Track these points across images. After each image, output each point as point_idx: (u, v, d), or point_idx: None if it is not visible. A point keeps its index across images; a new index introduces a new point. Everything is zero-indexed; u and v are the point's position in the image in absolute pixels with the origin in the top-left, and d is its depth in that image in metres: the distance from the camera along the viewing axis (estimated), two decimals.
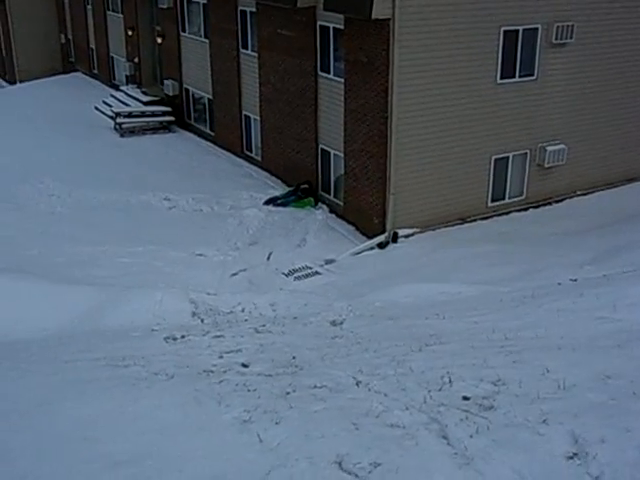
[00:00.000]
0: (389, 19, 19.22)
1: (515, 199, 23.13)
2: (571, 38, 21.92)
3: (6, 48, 49.29)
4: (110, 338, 12.23)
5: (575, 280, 13.25)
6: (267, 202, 24.00)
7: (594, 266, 15.22)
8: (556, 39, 21.66)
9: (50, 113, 35.84)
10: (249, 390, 7.91)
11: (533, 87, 22.19)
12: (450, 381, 7.53)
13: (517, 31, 21.26)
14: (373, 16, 19.11)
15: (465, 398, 7.08)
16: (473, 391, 7.20)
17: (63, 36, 48.32)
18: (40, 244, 20.71)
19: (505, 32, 21.03)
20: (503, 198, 22.90)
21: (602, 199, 24.05)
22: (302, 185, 24.08)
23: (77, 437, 6.84)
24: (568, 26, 21.69)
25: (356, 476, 5.82)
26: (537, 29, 21.55)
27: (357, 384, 7.88)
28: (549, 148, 22.81)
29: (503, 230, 21.59)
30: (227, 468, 6.06)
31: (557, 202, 23.79)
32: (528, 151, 22.82)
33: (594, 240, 19.02)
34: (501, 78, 21.48)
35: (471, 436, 6.24)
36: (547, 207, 23.58)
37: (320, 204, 23.87)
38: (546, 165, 22.91)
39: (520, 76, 21.84)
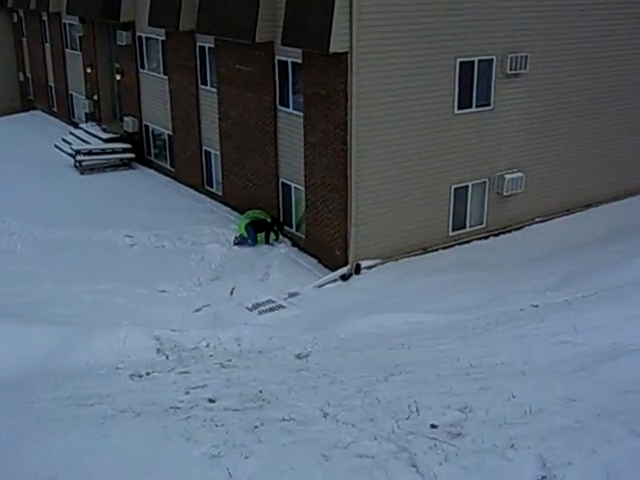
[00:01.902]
0: (347, 52, 19.39)
1: (476, 227, 23.32)
2: (525, 68, 22.26)
3: None
4: (75, 377, 12.11)
5: (537, 306, 13.38)
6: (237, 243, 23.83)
7: (555, 291, 15.37)
8: (510, 69, 21.99)
9: (9, 151, 35.59)
10: (217, 425, 7.89)
11: (490, 117, 22.47)
12: (417, 410, 7.57)
13: (473, 62, 21.55)
14: (331, 50, 19.27)
15: (433, 426, 7.12)
16: (441, 419, 7.25)
17: (22, 74, 48.14)
18: (1, 283, 20.50)
19: (461, 63, 21.31)
20: (464, 227, 23.08)
21: (561, 225, 24.34)
22: (264, 221, 24.03)
23: (44, 478, 6.78)
24: (522, 57, 22.05)
25: None
26: (492, 60, 21.86)
27: (325, 416, 7.90)
28: (507, 176, 23.07)
29: (465, 258, 21.74)
30: None
31: (517, 229, 24.02)
32: (487, 180, 23.06)
33: (554, 266, 19.21)
34: (458, 108, 21.73)
35: (440, 464, 6.29)
36: (507, 235, 23.79)
37: (276, 238, 23.81)
38: (505, 193, 23.16)
39: (477, 106, 22.11)
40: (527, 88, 22.91)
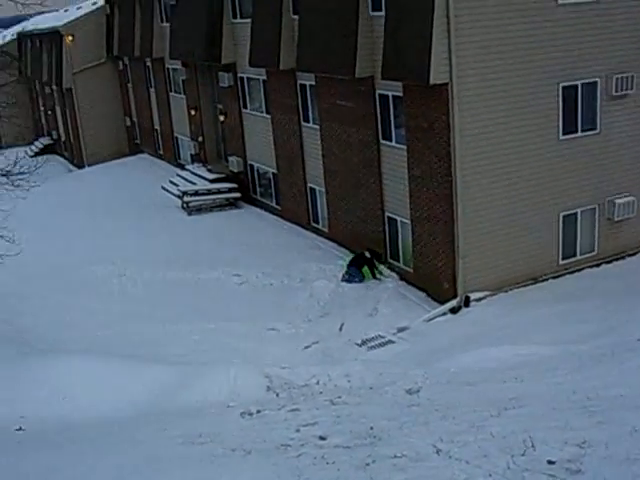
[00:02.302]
0: (447, 83, 19.28)
1: (586, 255, 22.73)
2: (631, 89, 21.71)
3: (73, 134, 50.65)
4: (186, 416, 12.23)
5: None
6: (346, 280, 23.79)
7: None
8: (616, 91, 21.48)
9: (118, 195, 36.58)
10: (328, 463, 7.80)
11: (596, 141, 21.96)
12: (533, 445, 7.33)
13: (576, 86, 21.15)
14: (431, 82, 19.19)
15: (550, 462, 6.88)
16: (558, 454, 7.00)
17: (128, 119, 49.51)
18: (113, 324, 20.94)
19: (564, 88, 20.94)
20: (574, 255, 22.53)
21: None
22: (363, 255, 24.00)
23: None
24: (628, 77, 21.50)
25: None
26: (596, 82, 21.40)
27: (437, 452, 7.73)
28: (618, 201, 22.47)
29: (576, 287, 21.19)
30: None
31: (630, 256, 23.30)
32: (596, 206, 22.50)
33: None
34: (563, 134, 21.31)
35: None
36: (620, 262, 23.09)
37: (382, 270, 23.71)
38: (616, 219, 22.55)
39: (582, 130, 21.65)
40: (635, 109, 22.30)
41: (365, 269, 23.57)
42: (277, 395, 13.46)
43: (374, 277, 23.53)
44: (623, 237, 23.15)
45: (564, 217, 22.01)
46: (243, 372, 14.50)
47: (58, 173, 47.74)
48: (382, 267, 23.85)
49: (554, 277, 22.02)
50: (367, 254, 23.92)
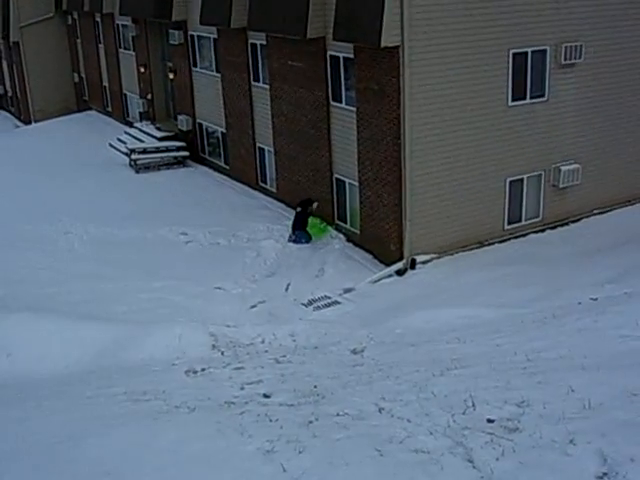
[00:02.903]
0: (398, 46, 19.27)
1: (532, 221, 23.02)
2: (580, 58, 21.90)
3: (21, 89, 49.74)
4: (131, 373, 12.23)
5: (596, 299, 13.18)
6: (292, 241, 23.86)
7: (615, 284, 15.10)
8: (565, 59, 21.65)
9: (65, 152, 36.12)
10: (271, 420, 7.87)
11: (544, 108, 22.16)
12: (473, 404, 7.46)
13: (526, 53, 21.28)
14: (382, 44, 19.16)
15: (489, 421, 7.02)
16: (497, 413, 7.14)
17: (76, 75, 48.69)
18: (59, 282, 20.76)
19: (514, 54, 21.05)
20: (519, 220, 22.80)
21: (619, 217, 23.89)
22: (302, 206, 24.13)
23: (99, 472, 6.83)
24: (576, 46, 21.69)
25: None
26: (546, 50, 21.55)
27: (380, 411, 7.83)
28: (563, 168, 22.74)
29: (521, 252, 21.47)
30: None
31: (574, 222, 23.64)
32: (543, 172, 22.75)
33: (613, 259, 18.90)
34: (512, 100, 21.46)
35: (497, 459, 6.18)
36: (564, 227, 23.43)
37: (327, 228, 23.92)
38: (561, 185, 22.83)
39: (531, 97, 21.82)
40: (582, 78, 22.53)
41: (315, 225, 23.72)
42: (222, 353, 13.50)
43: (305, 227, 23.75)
44: (567, 204, 23.47)
45: (510, 182, 22.24)
46: (188, 330, 14.51)
47: (4, 129, 47.02)
48: (330, 228, 23.93)
49: (499, 242, 22.28)
50: (298, 209, 24.08)
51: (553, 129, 22.48)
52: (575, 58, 21.79)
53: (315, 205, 24.23)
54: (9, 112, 54.60)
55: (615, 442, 6.11)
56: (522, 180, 22.44)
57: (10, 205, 27.69)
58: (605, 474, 5.76)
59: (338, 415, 7.80)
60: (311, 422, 7.66)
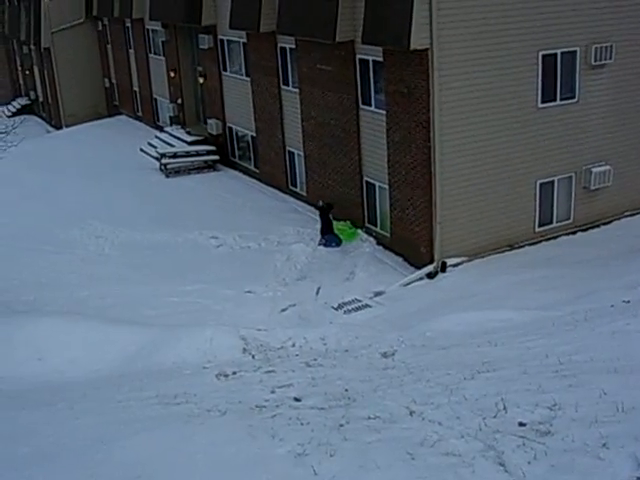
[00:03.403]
0: (427, 49, 19.26)
1: (562, 223, 22.90)
2: (610, 59, 21.78)
3: (52, 94, 50.20)
4: (161, 377, 12.29)
5: (628, 302, 13.06)
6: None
7: None
8: (595, 60, 21.54)
9: (96, 156, 36.37)
10: (302, 424, 7.88)
11: (575, 109, 22.05)
12: (505, 408, 7.43)
13: (555, 54, 21.18)
14: (411, 47, 19.16)
15: (521, 424, 6.98)
16: (529, 417, 7.10)
17: (107, 80, 49.08)
18: (89, 286, 20.94)
19: (544, 56, 20.96)
20: (550, 222, 22.69)
21: None
22: (324, 207, 24.20)
23: (131, 475, 6.87)
24: (606, 47, 21.57)
25: None
26: (575, 51, 21.45)
27: (411, 414, 7.82)
28: (594, 170, 22.60)
29: (552, 255, 21.36)
30: None
31: (605, 224, 23.49)
32: (573, 174, 22.63)
33: None
34: (542, 102, 21.37)
35: (529, 462, 6.15)
36: (595, 230, 23.29)
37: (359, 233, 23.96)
38: (592, 187, 22.70)
39: (561, 99, 21.73)
40: (613, 79, 22.39)
41: (344, 230, 23.76)
42: (253, 357, 13.53)
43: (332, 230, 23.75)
44: (599, 206, 23.32)
45: (541, 185, 22.14)
46: (219, 334, 14.55)
47: (36, 134, 47.38)
48: (360, 231, 23.95)
49: (530, 244, 22.19)
50: (321, 203, 24.23)
51: (583, 130, 22.35)
52: (605, 59, 21.66)
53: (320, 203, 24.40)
54: (41, 117, 55.13)
55: None
56: (553, 182, 22.33)
57: (41, 209, 27.97)
58: (639, 478, 5.71)
59: (369, 418, 7.79)
60: (342, 425, 7.67)
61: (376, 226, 23.72)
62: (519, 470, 6.04)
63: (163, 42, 38.35)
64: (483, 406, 7.61)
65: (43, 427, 8.94)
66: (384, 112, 21.82)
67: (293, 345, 14.40)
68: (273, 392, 9.67)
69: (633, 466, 5.84)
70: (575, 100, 21.95)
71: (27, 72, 56.92)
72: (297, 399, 9.09)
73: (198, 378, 11.57)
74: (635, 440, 6.17)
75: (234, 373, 11.47)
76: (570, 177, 22.63)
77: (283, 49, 27.16)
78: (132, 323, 16.51)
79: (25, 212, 27.56)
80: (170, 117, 38.95)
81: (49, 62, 48.89)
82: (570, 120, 22.01)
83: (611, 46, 21.66)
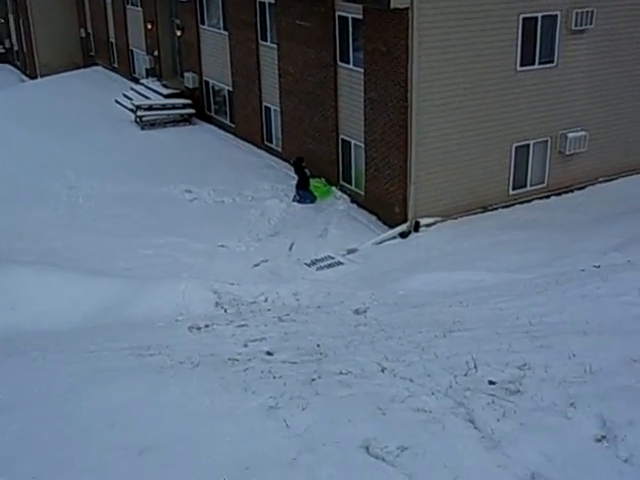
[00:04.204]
0: (407, 8, 19.16)
1: (537, 187, 23.02)
2: (591, 24, 21.78)
3: (27, 43, 49.52)
4: (134, 328, 12.30)
5: (598, 266, 13.18)
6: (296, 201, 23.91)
7: (618, 252, 15.11)
8: (576, 25, 21.53)
9: (71, 107, 35.99)
10: (275, 377, 7.94)
11: (553, 74, 22.07)
12: (475, 366, 7.53)
13: (536, 18, 21.15)
14: (392, 6, 19.06)
15: (491, 382, 7.08)
16: (499, 376, 7.20)
17: (83, 30, 48.43)
18: (62, 236, 20.85)
19: (524, 19, 20.93)
20: (525, 186, 22.80)
21: (625, 186, 23.88)
22: (300, 164, 24.22)
23: (105, 424, 6.89)
24: (588, 12, 21.56)
25: (383, 460, 5.85)
26: (556, 15, 21.42)
27: (382, 370, 7.89)
28: (570, 135, 22.69)
29: (525, 218, 21.51)
30: (255, 453, 6.10)
31: (579, 189, 23.65)
32: (549, 138, 22.71)
33: (617, 227, 18.89)
34: (521, 65, 21.38)
35: (498, 420, 6.25)
36: (569, 194, 23.44)
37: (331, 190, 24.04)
38: (567, 152, 22.80)
39: (540, 63, 21.73)
40: (593, 44, 22.41)
41: (319, 187, 23.78)
42: (225, 311, 13.55)
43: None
44: (573, 171, 23.45)
45: (517, 148, 22.23)
46: (192, 287, 14.55)
47: (10, 83, 46.87)
48: (334, 188, 23.98)
49: (504, 207, 22.31)
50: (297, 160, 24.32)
51: (561, 95, 22.40)
52: (586, 24, 21.67)
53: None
54: (15, 66, 54.46)
55: (614, 406, 6.18)
56: (528, 146, 22.42)
57: (14, 160, 27.71)
58: (604, 437, 5.83)
59: (341, 374, 7.86)
60: (314, 380, 7.73)
61: (351, 184, 23.73)
62: (488, 427, 6.14)
63: None
64: (454, 364, 7.70)
65: (16, 375, 8.94)
66: (362, 70, 21.74)
67: (265, 300, 14.44)
68: (246, 346, 9.72)
69: (599, 425, 5.97)
70: (554, 65, 21.96)
71: (1, 20, 56.06)
72: (269, 353, 9.15)
73: (171, 330, 11.59)
74: (601, 400, 6.30)
75: (206, 326, 11.49)
76: (546, 141, 22.71)
77: (262, 4, 26.92)
78: (105, 275, 16.46)
79: None
80: (146, 69, 38.58)
81: (24, 10, 48.18)
82: (548, 84, 22.04)
83: (592, 11, 21.64)
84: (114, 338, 11.21)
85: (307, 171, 24.05)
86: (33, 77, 48.38)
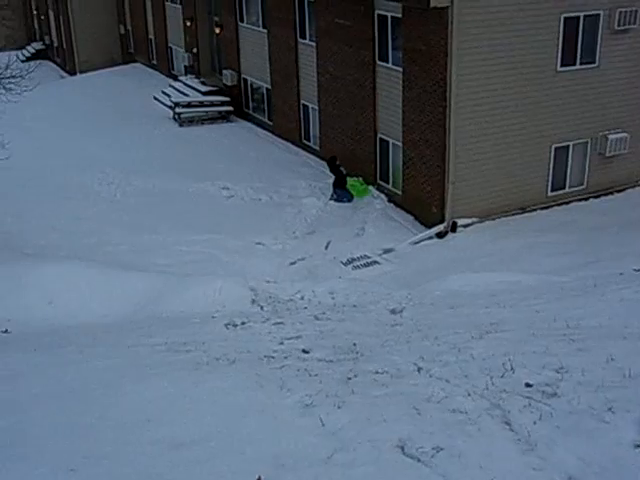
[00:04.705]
0: (447, 7, 19.08)
1: (575, 189, 22.83)
2: (634, 24, 21.54)
3: (66, 39, 49.91)
4: (171, 324, 12.37)
5: (638, 270, 13.07)
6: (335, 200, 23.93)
7: None
8: (619, 25, 21.31)
9: (109, 103, 36.28)
10: (310, 375, 7.94)
11: (594, 74, 21.87)
12: (512, 368, 7.47)
13: (578, 17, 20.96)
14: (432, 4, 18.99)
15: (528, 385, 7.02)
16: (536, 378, 7.14)
17: (122, 27, 48.76)
18: (100, 232, 21.01)
19: (565, 19, 20.75)
20: (563, 187, 22.62)
21: None
22: (334, 163, 24.21)
23: (140, 419, 6.93)
24: (631, 11, 21.31)
25: (418, 460, 5.81)
26: (599, 15, 21.21)
27: (418, 370, 7.86)
28: (611, 137, 22.47)
29: (563, 220, 21.33)
30: (290, 450, 6.08)
31: (618, 192, 23.41)
32: (589, 140, 22.51)
33: None
34: (561, 65, 21.21)
35: (534, 422, 6.19)
36: (608, 197, 23.22)
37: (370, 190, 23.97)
38: (607, 154, 22.58)
39: (581, 63, 21.54)
40: (636, 44, 22.15)
41: (356, 186, 23.77)
42: (262, 308, 13.59)
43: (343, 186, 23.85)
44: (613, 173, 23.23)
45: (556, 149, 22.05)
46: (228, 284, 14.62)
47: (50, 79, 47.11)
48: (371, 188, 23.95)
49: (542, 208, 22.15)
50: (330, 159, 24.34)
51: (602, 96, 22.19)
52: (629, 24, 21.43)
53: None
54: (55, 62, 54.85)
55: None
56: (568, 147, 22.24)
57: (54, 156, 27.97)
58: None
59: (377, 373, 7.84)
60: (350, 378, 7.72)
61: (388, 183, 23.68)
62: (524, 429, 6.09)
63: None
64: (490, 366, 7.65)
65: (53, 369, 9.02)
66: (401, 69, 21.69)
67: (302, 298, 14.48)
68: (281, 343, 9.74)
69: (637, 430, 5.89)
70: (595, 65, 21.76)
71: (42, 17, 56.55)
72: (305, 351, 9.15)
73: (207, 327, 11.64)
74: None
75: (243, 323, 11.53)
76: (586, 143, 22.51)
77: (301, 2, 26.95)
78: (142, 270, 16.60)
79: (38, 158, 27.52)
80: (185, 66, 38.78)
81: (64, 7, 48.53)
82: (589, 85, 21.85)
83: (636, 11, 21.39)
84: (150, 334, 11.28)
85: (342, 170, 24.03)
86: (72, 73, 48.75)
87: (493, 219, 21.36)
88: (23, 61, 46.03)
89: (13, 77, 20.20)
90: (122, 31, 48.96)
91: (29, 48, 57.92)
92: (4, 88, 20.12)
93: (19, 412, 7.35)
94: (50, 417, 7.15)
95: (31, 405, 7.55)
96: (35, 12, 58.77)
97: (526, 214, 21.88)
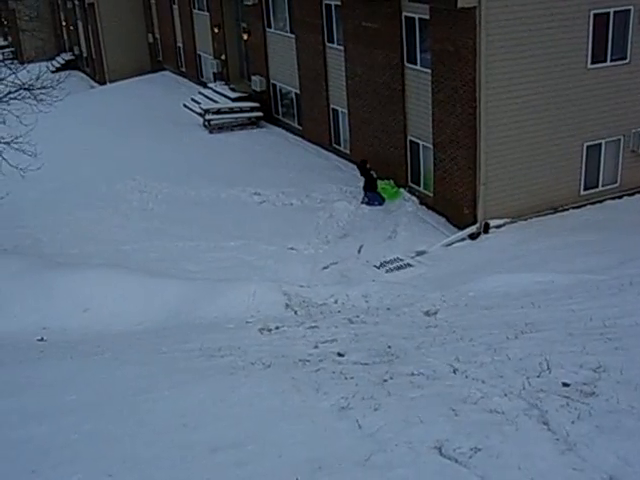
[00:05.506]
0: (475, 7, 19.00)
1: (609, 187, 22.62)
2: None
3: (95, 49, 50.35)
4: (205, 330, 12.43)
5: None
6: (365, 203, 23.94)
7: None
8: None
9: (139, 112, 36.53)
10: (346, 378, 7.94)
11: (625, 71, 21.65)
12: (548, 368, 7.43)
13: (608, 13, 20.78)
14: (459, 5, 18.91)
15: (565, 384, 6.97)
16: (573, 378, 7.09)
17: (150, 35, 49.12)
18: (133, 240, 21.14)
19: (595, 15, 20.58)
20: (596, 186, 22.42)
21: None
22: (365, 167, 24.20)
23: (176, 424, 6.97)
24: None
25: (456, 461, 5.79)
26: (629, 10, 21.01)
27: (454, 372, 7.84)
28: None
29: (597, 219, 21.15)
30: (327, 453, 6.09)
31: None
32: (622, 137, 22.30)
33: None
34: (592, 63, 21.01)
35: (573, 422, 6.15)
36: None
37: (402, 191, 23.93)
38: None
39: (612, 60, 21.33)
40: None
41: (387, 189, 23.75)
42: (295, 313, 13.63)
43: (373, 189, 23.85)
44: None
45: (588, 147, 21.86)
46: (262, 289, 14.68)
47: (80, 89, 47.59)
48: (402, 190, 23.91)
49: (575, 207, 21.97)
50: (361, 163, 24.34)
51: (634, 93, 21.96)
52: None
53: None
54: (84, 72, 55.37)
55: None
56: (600, 145, 22.03)
57: (85, 164, 28.21)
58: None
59: (412, 375, 7.83)
60: (385, 381, 7.72)
61: (419, 185, 23.62)
62: (563, 429, 6.05)
63: None
64: (527, 366, 7.61)
65: (90, 376, 9.10)
66: (429, 71, 21.63)
67: (335, 302, 14.49)
68: (316, 347, 9.75)
69: None
70: (627, 61, 21.54)
71: (71, 27, 57.08)
72: (340, 354, 9.16)
73: (241, 332, 11.69)
74: None
75: (277, 328, 11.57)
76: (618, 140, 22.31)
77: (328, 6, 26.97)
78: (175, 277, 16.69)
79: (70, 167, 27.81)
80: (214, 73, 38.93)
81: (93, 17, 48.98)
82: (620, 82, 21.64)
83: None
84: (185, 339, 11.34)
85: (373, 173, 24.00)
86: (102, 83, 49.18)
87: (525, 219, 21.22)
88: (53, 72, 46.54)
89: (44, 88, 20.44)
90: (150, 40, 49.31)
91: (59, 59, 58.47)
92: (35, 99, 20.37)
93: (56, 419, 7.42)
94: (87, 424, 7.21)
95: (68, 412, 7.63)
96: (64, 23, 59.34)
97: (559, 213, 21.71)
